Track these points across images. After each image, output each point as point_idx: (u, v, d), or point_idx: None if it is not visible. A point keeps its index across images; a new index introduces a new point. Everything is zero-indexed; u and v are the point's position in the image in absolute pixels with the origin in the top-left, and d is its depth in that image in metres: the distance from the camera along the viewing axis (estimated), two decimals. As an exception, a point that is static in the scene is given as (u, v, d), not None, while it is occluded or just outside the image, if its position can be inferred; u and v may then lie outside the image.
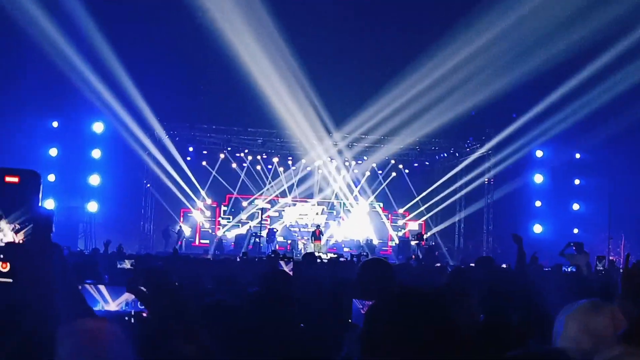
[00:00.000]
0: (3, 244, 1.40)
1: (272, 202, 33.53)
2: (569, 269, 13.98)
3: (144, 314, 2.04)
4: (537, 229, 29.29)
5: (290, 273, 6.68)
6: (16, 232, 1.40)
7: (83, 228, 27.47)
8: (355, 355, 2.22)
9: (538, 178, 30.25)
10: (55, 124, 26.91)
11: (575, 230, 28.38)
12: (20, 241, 1.40)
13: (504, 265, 12.82)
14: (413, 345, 1.93)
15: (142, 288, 2.07)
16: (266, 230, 30.46)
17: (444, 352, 1.91)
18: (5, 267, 1.39)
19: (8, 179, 1.39)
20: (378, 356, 1.98)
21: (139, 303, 2.56)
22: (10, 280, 1.40)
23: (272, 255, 14.79)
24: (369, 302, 4.17)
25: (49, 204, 22.28)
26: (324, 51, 25.59)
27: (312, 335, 4.02)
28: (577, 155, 30.19)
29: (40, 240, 1.39)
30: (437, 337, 1.94)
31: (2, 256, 1.39)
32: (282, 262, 8.09)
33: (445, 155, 33.11)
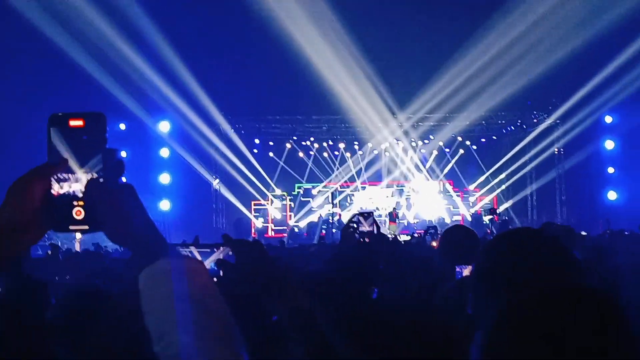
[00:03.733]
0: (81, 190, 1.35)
1: (341, 189, 33.49)
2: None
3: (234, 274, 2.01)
4: (612, 195, 28.50)
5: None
6: (88, 174, 1.36)
7: (158, 227, 27.77)
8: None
9: (609, 144, 29.37)
10: (122, 127, 27.29)
11: (652, 194, 27.67)
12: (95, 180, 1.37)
13: (583, 233, 12.67)
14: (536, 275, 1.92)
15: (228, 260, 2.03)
16: (337, 217, 30.47)
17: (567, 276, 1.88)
18: (80, 214, 1.33)
19: (72, 122, 1.35)
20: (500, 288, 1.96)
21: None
22: (87, 227, 1.35)
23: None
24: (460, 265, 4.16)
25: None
26: (382, 33, 25.35)
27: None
28: (649, 118, 29.34)
29: (113, 180, 1.36)
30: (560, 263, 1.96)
31: (76, 203, 1.34)
32: (360, 218, 7.60)
33: (512, 128, 32.60)
